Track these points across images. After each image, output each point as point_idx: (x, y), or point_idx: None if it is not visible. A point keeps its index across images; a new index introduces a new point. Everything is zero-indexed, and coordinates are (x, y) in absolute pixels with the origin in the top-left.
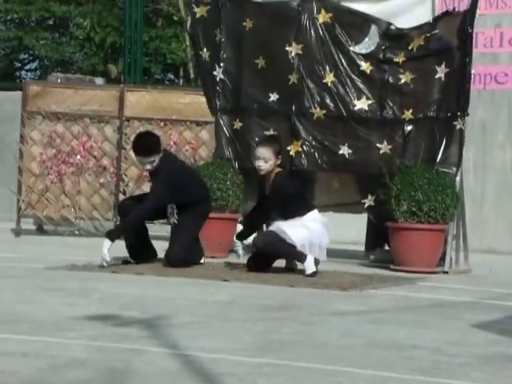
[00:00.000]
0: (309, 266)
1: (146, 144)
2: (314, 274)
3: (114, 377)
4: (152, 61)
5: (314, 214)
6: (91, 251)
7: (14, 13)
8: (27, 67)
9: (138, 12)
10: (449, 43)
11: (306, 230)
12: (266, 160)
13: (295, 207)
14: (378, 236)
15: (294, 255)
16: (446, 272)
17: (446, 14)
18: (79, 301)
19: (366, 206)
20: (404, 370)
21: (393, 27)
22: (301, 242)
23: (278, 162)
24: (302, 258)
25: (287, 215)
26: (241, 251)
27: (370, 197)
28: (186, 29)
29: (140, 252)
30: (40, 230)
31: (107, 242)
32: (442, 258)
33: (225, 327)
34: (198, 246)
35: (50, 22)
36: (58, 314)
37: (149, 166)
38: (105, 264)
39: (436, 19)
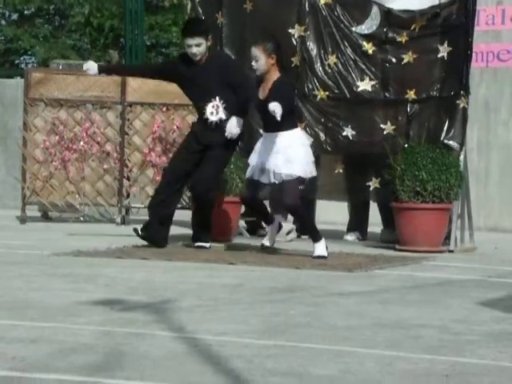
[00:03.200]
0: (319, 249)
1: (191, 23)
2: (322, 257)
3: (122, 361)
4: (152, 51)
5: (299, 131)
6: (96, 237)
7: (13, 6)
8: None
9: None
10: (451, 22)
11: (304, 155)
12: (256, 59)
13: (290, 117)
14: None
15: (311, 229)
16: (452, 251)
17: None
18: (86, 286)
19: (371, 188)
20: (411, 349)
21: (394, 11)
22: (305, 170)
23: (272, 61)
24: (316, 236)
25: (281, 127)
26: (246, 233)
27: (374, 179)
28: (187, 12)
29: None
30: (45, 217)
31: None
32: (447, 237)
33: (232, 310)
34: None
35: (50, 11)
36: (66, 300)
37: (195, 50)
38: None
39: (439, 7)
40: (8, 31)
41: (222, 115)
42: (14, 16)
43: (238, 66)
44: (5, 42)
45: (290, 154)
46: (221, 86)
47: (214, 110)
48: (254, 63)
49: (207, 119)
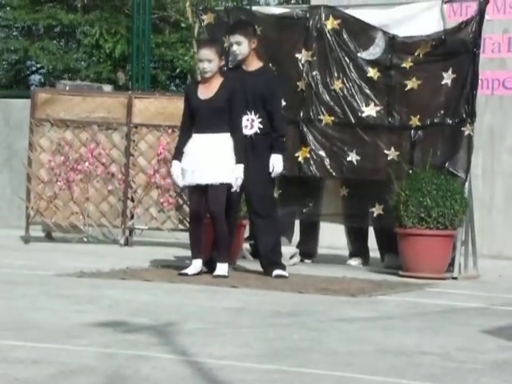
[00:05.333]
0: (222, 269)
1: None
2: (222, 277)
3: (124, 383)
4: (159, 67)
5: None
6: (100, 258)
7: (22, 21)
8: (34, 76)
9: (145, 20)
10: (456, 49)
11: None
12: (209, 61)
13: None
14: (387, 242)
15: (224, 247)
16: (455, 278)
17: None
18: (89, 307)
19: (374, 214)
20: (413, 377)
21: (399, 38)
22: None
23: (222, 63)
24: (224, 257)
25: (235, 128)
26: (250, 256)
27: (377, 205)
28: (194, 35)
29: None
30: (49, 237)
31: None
32: (451, 264)
33: (234, 333)
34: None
35: (57, 30)
36: (68, 321)
37: (235, 47)
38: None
39: (444, 32)
40: (16, 43)
41: (257, 129)
42: (22, 27)
43: (274, 78)
44: (13, 53)
45: (220, 159)
46: (255, 99)
47: (249, 124)
48: (206, 65)
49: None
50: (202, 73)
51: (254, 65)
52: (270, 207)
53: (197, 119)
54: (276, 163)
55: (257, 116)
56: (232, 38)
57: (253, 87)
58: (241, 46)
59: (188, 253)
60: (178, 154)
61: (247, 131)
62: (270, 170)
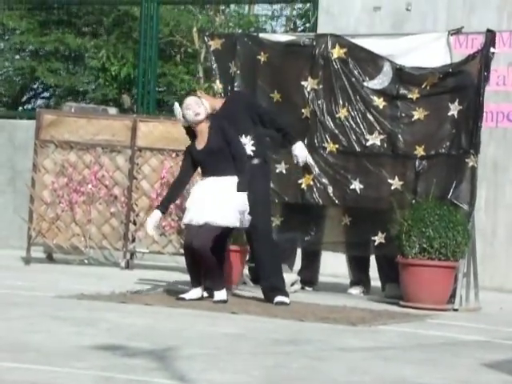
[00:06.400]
0: (220, 295)
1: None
2: (222, 302)
3: None
4: (164, 91)
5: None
6: (100, 280)
7: (29, 44)
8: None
9: (152, 47)
10: (462, 81)
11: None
12: (199, 105)
13: (231, 163)
14: (388, 271)
15: (218, 278)
16: (456, 310)
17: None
18: (88, 330)
19: (376, 243)
20: None
21: (406, 68)
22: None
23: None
24: (220, 285)
25: (221, 171)
26: (250, 282)
27: (380, 234)
28: (200, 61)
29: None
30: (49, 259)
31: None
32: (452, 296)
33: (233, 360)
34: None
35: (65, 53)
36: (67, 344)
37: (191, 112)
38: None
39: (451, 66)
40: (23, 63)
41: (250, 152)
42: (31, 48)
43: (240, 95)
44: (19, 74)
45: (222, 201)
46: (239, 123)
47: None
48: (196, 108)
49: None
50: (193, 122)
51: (219, 102)
52: (270, 230)
53: (203, 169)
54: (299, 151)
55: (248, 138)
56: (188, 101)
57: (232, 114)
58: (198, 116)
59: (188, 277)
60: (162, 204)
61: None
62: (295, 162)
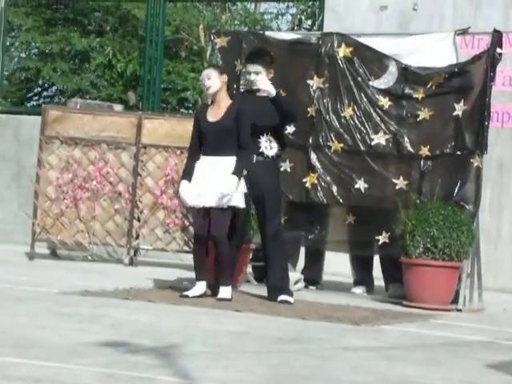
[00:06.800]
0: (225, 292)
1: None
2: (226, 300)
3: None
4: (169, 89)
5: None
6: (104, 277)
7: (35, 42)
8: (44, 94)
9: (158, 45)
10: (468, 82)
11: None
12: (208, 77)
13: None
14: (391, 271)
15: (227, 271)
16: (460, 310)
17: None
18: (92, 327)
19: (380, 242)
20: None
21: (412, 68)
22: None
23: (225, 80)
24: (228, 281)
25: (241, 146)
26: (254, 280)
27: (384, 234)
28: (206, 58)
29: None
30: (53, 255)
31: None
32: (456, 296)
33: (237, 358)
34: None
35: (71, 53)
36: (71, 340)
37: (253, 77)
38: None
39: (457, 66)
40: (28, 62)
41: (277, 150)
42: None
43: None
44: (25, 72)
45: (225, 183)
46: (270, 121)
47: (268, 145)
48: (206, 81)
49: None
50: (207, 91)
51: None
52: (279, 229)
53: (206, 142)
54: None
55: (266, 137)
56: (251, 67)
57: (270, 111)
58: (258, 75)
59: (191, 275)
60: (187, 175)
61: (267, 152)
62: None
